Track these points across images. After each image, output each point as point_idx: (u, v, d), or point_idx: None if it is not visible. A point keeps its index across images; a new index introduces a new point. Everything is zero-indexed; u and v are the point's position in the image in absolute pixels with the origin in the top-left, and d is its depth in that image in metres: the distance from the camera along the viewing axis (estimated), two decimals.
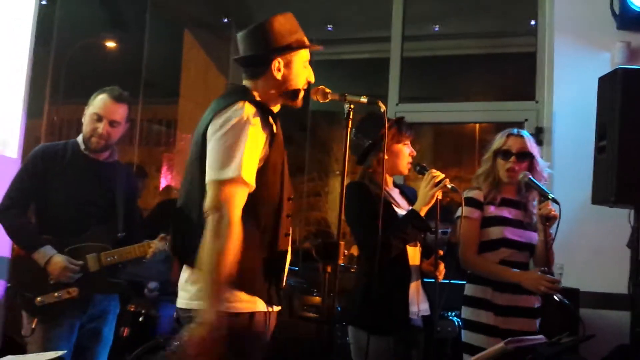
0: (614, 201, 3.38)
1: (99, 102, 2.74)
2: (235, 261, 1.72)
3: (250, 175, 1.80)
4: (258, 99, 1.96)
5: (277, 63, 1.96)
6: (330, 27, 5.55)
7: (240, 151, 1.79)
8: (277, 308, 1.95)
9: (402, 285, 2.52)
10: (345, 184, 2.00)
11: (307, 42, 2.02)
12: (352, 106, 2.00)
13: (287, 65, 1.98)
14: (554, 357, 2.18)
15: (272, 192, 1.89)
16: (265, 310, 1.87)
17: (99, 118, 2.72)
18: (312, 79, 2.05)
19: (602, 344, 3.15)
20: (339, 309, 2.75)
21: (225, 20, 5.41)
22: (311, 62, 2.08)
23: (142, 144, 5.86)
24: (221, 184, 1.78)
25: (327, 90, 2.03)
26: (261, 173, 1.85)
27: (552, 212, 2.60)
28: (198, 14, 5.58)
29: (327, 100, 2.03)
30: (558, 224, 2.62)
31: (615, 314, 3.43)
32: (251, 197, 1.83)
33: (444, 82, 5.80)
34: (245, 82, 2.03)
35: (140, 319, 3.34)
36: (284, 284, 1.96)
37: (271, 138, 1.88)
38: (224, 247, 1.72)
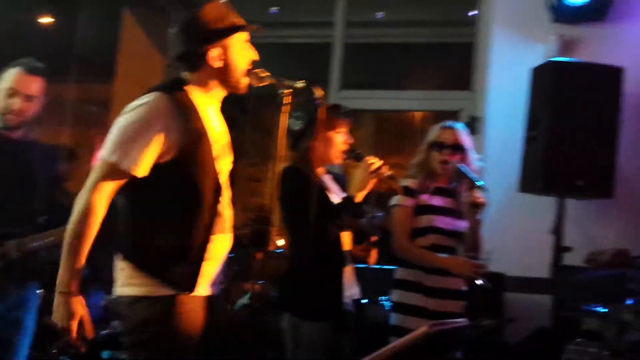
0: (540, 189, 3.53)
1: (12, 76, 2.58)
2: (87, 247, 1.78)
3: (135, 165, 1.80)
4: (194, 90, 1.94)
5: (213, 53, 1.92)
6: (274, 9, 5.48)
7: (127, 138, 1.80)
8: (198, 294, 1.92)
9: (337, 271, 2.54)
10: (280, 169, 1.99)
11: (240, 23, 1.98)
12: (288, 91, 1.98)
13: (224, 52, 1.93)
14: (476, 340, 2.27)
15: (186, 184, 1.88)
16: (171, 294, 1.85)
17: (14, 93, 2.57)
18: (256, 58, 2.01)
19: (525, 327, 3.30)
20: (275, 295, 2.76)
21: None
22: (253, 45, 2.05)
23: (74, 125, 5.66)
24: (100, 163, 1.82)
25: (264, 73, 2.00)
26: (171, 165, 1.84)
27: (479, 200, 2.69)
28: None
29: (263, 84, 2.00)
30: (485, 211, 2.71)
31: (538, 297, 3.57)
32: (159, 186, 1.85)
33: (386, 69, 5.84)
34: (185, 74, 1.98)
35: None
36: (201, 272, 1.91)
37: (185, 132, 1.85)
38: (75, 222, 1.78)
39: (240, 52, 1.96)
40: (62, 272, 1.77)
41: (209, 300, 1.98)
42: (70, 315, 1.76)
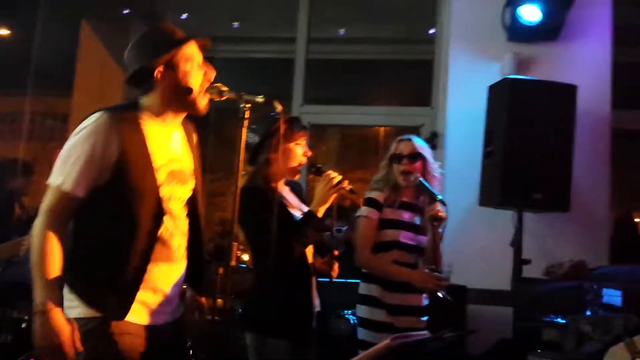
0: (498, 203, 3.60)
1: None
2: (53, 264, 1.77)
3: (75, 185, 1.80)
4: (146, 116, 1.91)
5: (161, 72, 1.89)
6: (236, 24, 5.49)
7: (70, 161, 1.81)
8: (135, 322, 1.86)
9: (303, 287, 2.51)
10: (240, 186, 1.97)
11: (186, 39, 1.93)
12: (248, 105, 1.96)
13: (173, 69, 1.90)
14: (439, 352, 2.27)
15: (119, 208, 1.85)
16: (100, 316, 1.82)
17: None
18: (212, 77, 1.97)
19: (488, 338, 3.34)
20: (240, 312, 2.72)
21: (126, 11, 5.21)
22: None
23: (33, 139, 5.51)
24: (49, 188, 1.83)
25: (224, 88, 1.98)
26: (106, 188, 1.83)
27: (440, 213, 2.72)
28: (96, 3, 5.35)
29: (224, 99, 1.98)
30: (445, 225, 2.74)
31: (499, 309, 3.62)
32: (95, 209, 1.83)
33: (348, 85, 5.90)
34: (141, 100, 1.96)
35: (24, 325, 3.13)
36: (134, 299, 1.86)
37: (120, 153, 1.82)
38: (35, 249, 1.77)
39: (189, 69, 1.91)
40: (36, 293, 1.74)
41: (157, 330, 1.90)
42: (53, 333, 1.70)
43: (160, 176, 1.89)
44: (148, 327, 1.89)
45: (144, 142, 1.87)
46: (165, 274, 1.93)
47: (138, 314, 1.86)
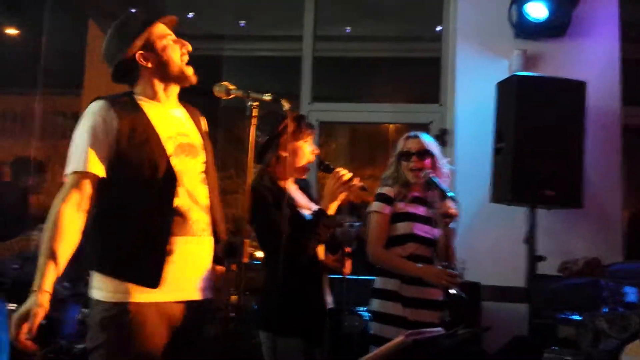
0: (510, 200, 3.58)
1: None
2: (64, 248, 1.80)
3: (92, 165, 1.85)
4: (141, 99, 1.97)
5: (140, 56, 1.95)
6: (242, 22, 5.48)
7: (79, 146, 1.87)
8: (162, 298, 1.89)
9: (316, 285, 2.50)
10: (249, 185, 1.96)
11: (152, 19, 2.00)
12: (255, 104, 1.98)
13: (151, 49, 1.96)
14: (454, 348, 2.26)
15: (129, 182, 1.89)
16: (138, 301, 1.84)
17: None
18: (190, 48, 2.03)
19: (502, 335, 3.32)
20: (253, 310, 2.70)
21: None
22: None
23: (44, 138, 5.53)
24: (65, 178, 1.88)
25: (231, 86, 2.00)
26: (117, 165, 1.88)
27: (451, 211, 2.70)
28: (103, 3, 5.37)
29: (231, 97, 2.01)
30: (458, 222, 2.73)
31: (514, 306, 3.61)
32: (111, 184, 1.88)
33: (356, 83, 5.90)
34: (132, 89, 2.02)
35: (43, 322, 3.15)
36: (164, 269, 1.88)
37: (124, 128, 1.88)
38: (47, 232, 1.80)
39: (165, 43, 1.99)
40: (37, 275, 1.77)
41: (192, 305, 1.94)
42: (31, 308, 1.72)
43: (169, 147, 1.93)
44: (179, 304, 1.92)
45: (146, 117, 1.93)
46: (192, 247, 1.94)
47: (165, 292, 1.88)
